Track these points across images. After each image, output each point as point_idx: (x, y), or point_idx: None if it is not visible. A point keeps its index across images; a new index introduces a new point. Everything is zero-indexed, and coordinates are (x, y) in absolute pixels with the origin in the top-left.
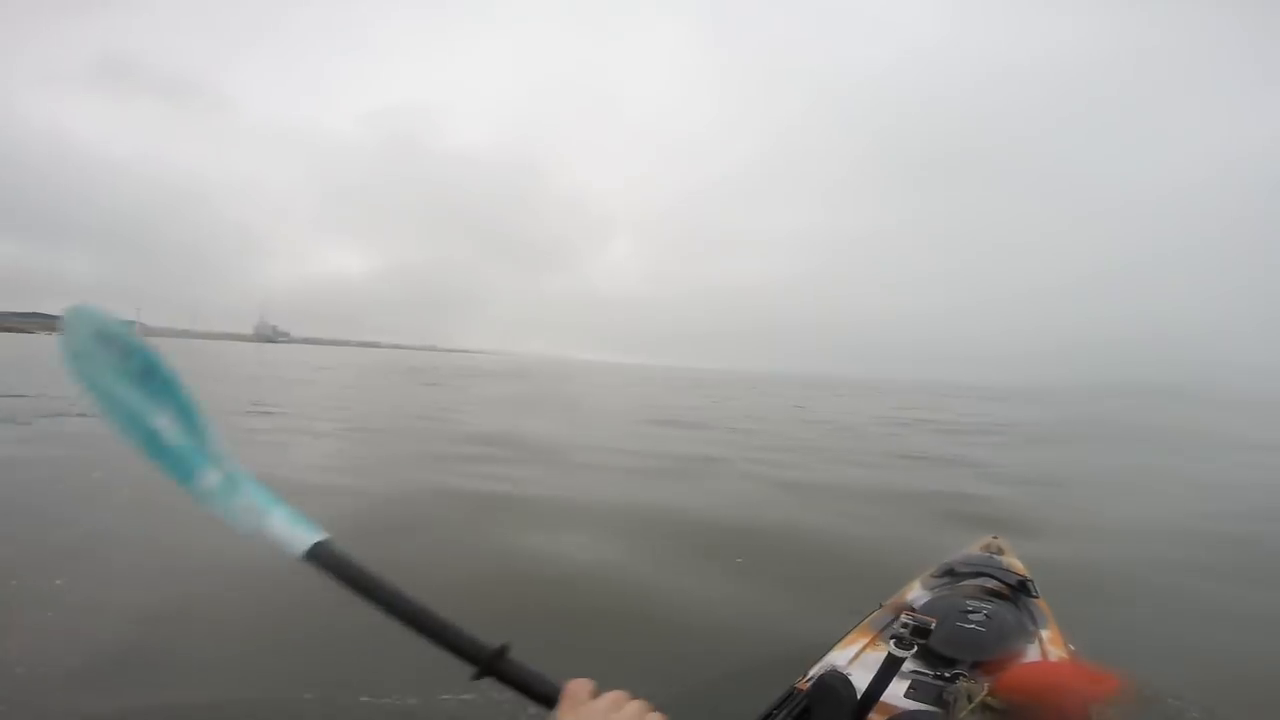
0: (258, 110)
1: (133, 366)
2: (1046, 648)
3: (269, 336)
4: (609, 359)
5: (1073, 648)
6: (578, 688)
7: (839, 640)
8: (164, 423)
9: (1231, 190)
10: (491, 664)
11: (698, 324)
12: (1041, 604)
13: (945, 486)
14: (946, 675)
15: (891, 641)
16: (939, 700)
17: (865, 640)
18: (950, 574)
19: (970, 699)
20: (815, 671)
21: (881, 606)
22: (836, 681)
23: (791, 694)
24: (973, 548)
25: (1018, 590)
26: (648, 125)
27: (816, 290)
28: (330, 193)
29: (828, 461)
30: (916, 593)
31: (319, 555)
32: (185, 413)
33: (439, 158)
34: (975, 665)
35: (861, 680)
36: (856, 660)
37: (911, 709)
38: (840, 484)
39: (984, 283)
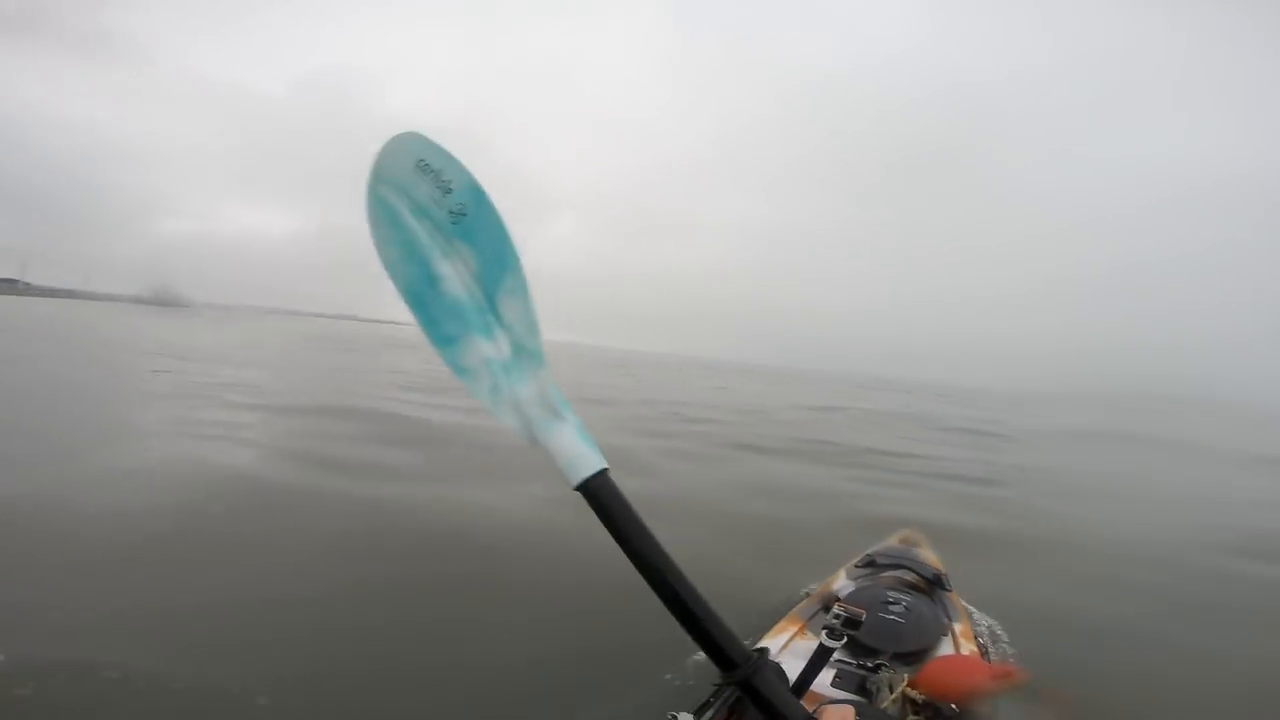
0: (177, 66)
1: (450, 199)
2: (959, 641)
3: (167, 300)
4: (547, 336)
5: (982, 641)
6: (836, 716)
7: (769, 629)
8: (453, 270)
9: (1178, 210)
10: (749, 677)
11: (637, 306)
12: (954, 598)
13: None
14: (869, 665)
15: (824, 632)
16: (862, 689)
17: (794, 629)
18: (872, 565)
19: (892, 689)
20: None
21: (808, 595)
22: (769, 671)
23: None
24: (892, 540)
25: (933, 583)
26: (601, 104)
27: (757, 280)
28: (254, 154)
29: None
30: (842, 582)
31: (594, 488)
32: (499, 264)
33: (378, 122)
34: (895, 656)
35: (792, 668)
36: (787, 648)
37: (839, 698)
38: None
39: (932, 285)
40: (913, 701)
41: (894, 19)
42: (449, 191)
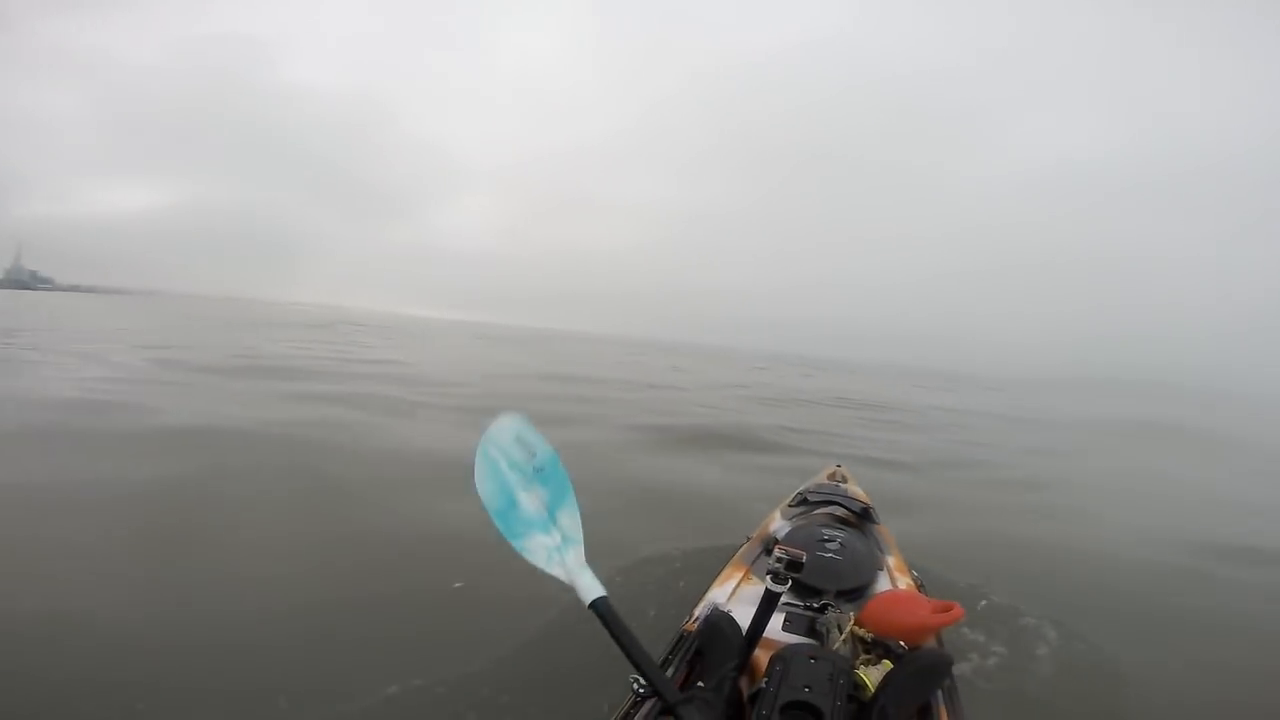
0: (37, 32)
1: (534, 461)
2: (894, 574)
3: (25, 282)
4: (452, 315)
5: (915, 573)
6: None
7: (716, 577)
8: (528, 499)
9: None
10: (675, 707)
11: (551, 284)
12: (883, 530)
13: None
14: (815, 606)
15: (768, 577)
16: (812, 631)
17: (739, 575)
18: (804, 502)
19: (840, 629)
20: (700, 611)
21: (749, 539)
22: (722, 621)
23: (682, 637)
24: (821, 476)
25: (862, 517)
26: (519, 81)
27: (672, 261)
28: (123, 126)
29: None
30: (778, 523)
31: (599, 608)
32: (560, 497)
33: (268, 94)
34: (838, 594)
35: (742, 615)
36: (735, 596)
37: (792, 641)
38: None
39: (835, 270)
40: (862, 640)
41: (816, 10)
42: (534, 455)
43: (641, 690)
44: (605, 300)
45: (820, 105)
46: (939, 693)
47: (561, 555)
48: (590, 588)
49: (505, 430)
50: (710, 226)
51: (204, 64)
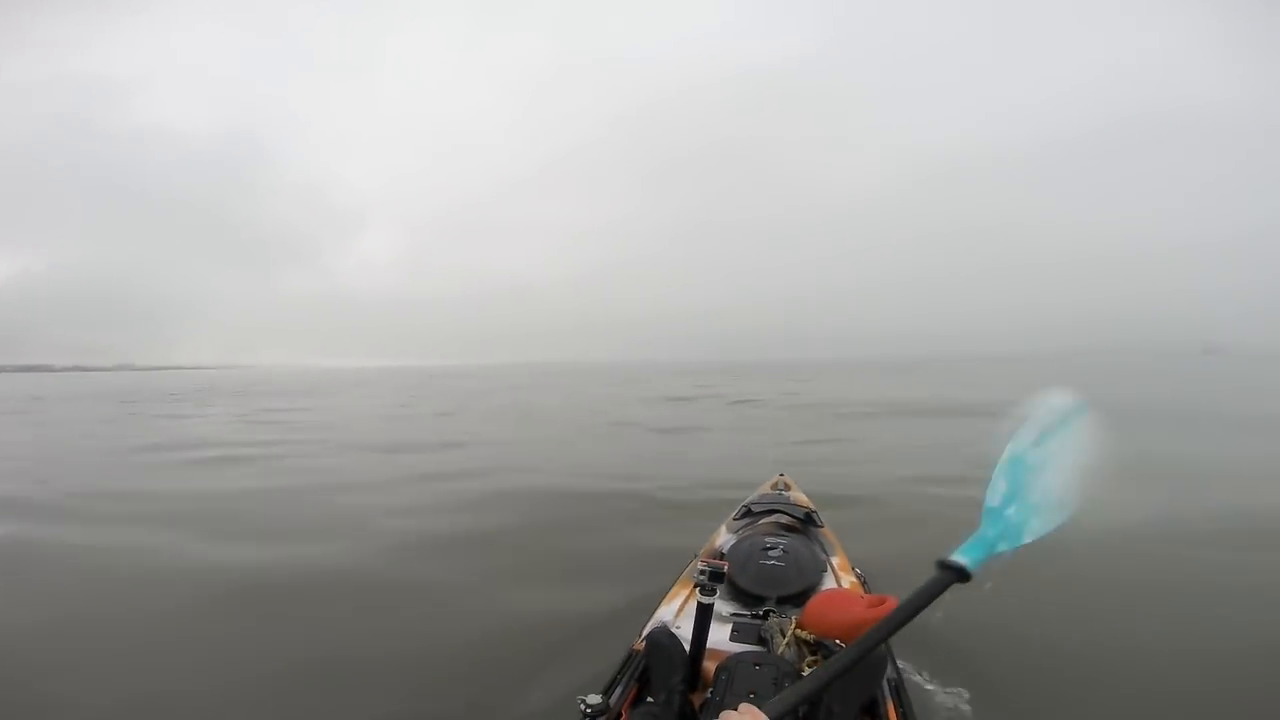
0: None
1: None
2: (838, 574)
3: None
4: (362, 363)
5: (859, 571)
6: None
7: (664, 596)
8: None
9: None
10: None
11: (469, 321)
12: (827, 533)
13: None
14: (759, 613)
15: (697, 590)
16: (759, 639)
17: (686, 592)
18: (749, 514)
19: (783, 634)
20: (649, 630)
21: (696, 557)
22: (663, 637)
23: (631, 656)
24: (764, 487)
25: (806, 522)
26: (413, 117)
27: (586, 283)
28: None
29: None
30: (724, 537)
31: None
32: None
33: (121, 137)
34: (782, 600)
35: (690, 631)
36: (682, 612)
37: (738, 650)
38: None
39: (745, 267)
40: (805, 642)
41: (698, 6)
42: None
43: (589, 710)
44: (534, 329)
45: (715, 103)
46: (885, 687)
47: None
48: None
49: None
50: (629, 245)
51: (44, 110)
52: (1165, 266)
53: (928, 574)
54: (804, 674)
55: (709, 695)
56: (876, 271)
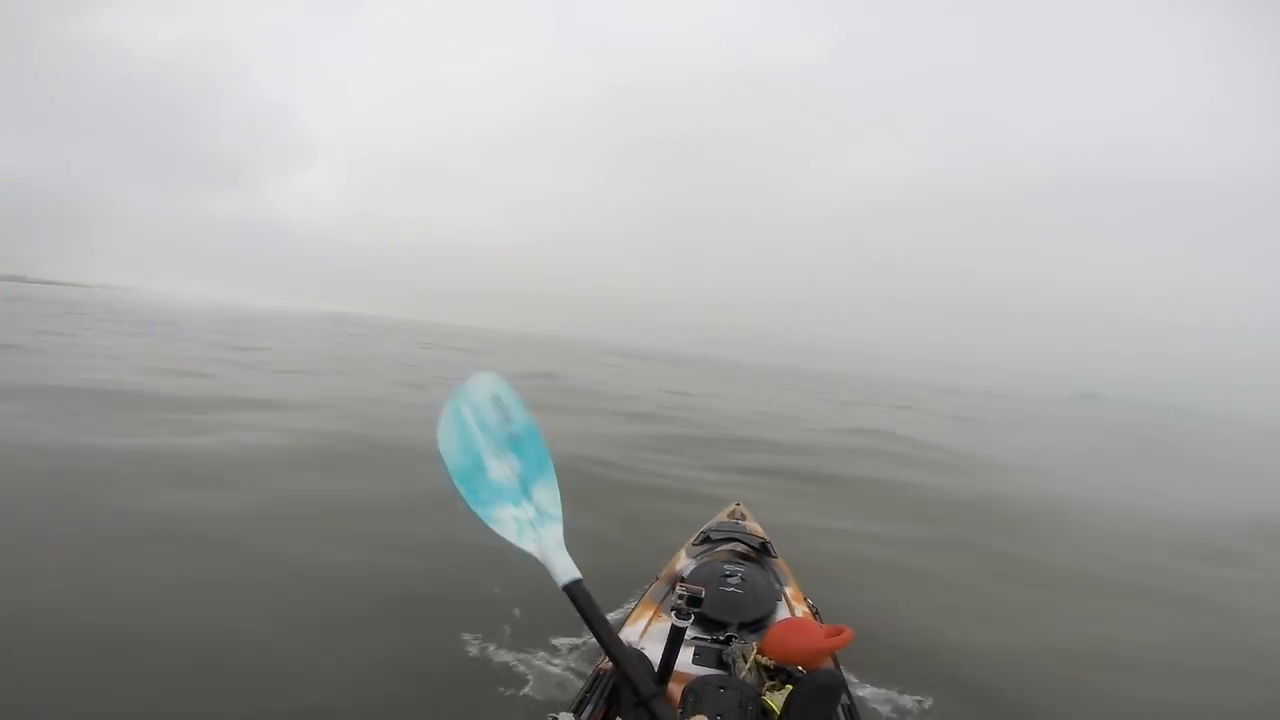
0: None
1: (509, 427)
2: (791, 604)
3: None
4: (286, 303)
5: (810, 601)
6: None
7: (628, 617)
8: (500, 466)
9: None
10: (649, 700)
11: (416, 275)
12: (781, 564)
13: None
14: (721, 639)
15: (672, 614)
16: (720, 662)
17: (650, 613)
18: (707, 540)
19: (745, 659)
20: None
21: (657, 579)
22: (634, 658)
23: (599, 675)
24: (721, 515)
25: (761, 552)
26: (387, 54)
27: (540, 252)
28: None
29: None
30: (684, 562)
31: (572, 591)
32: (538, 470)
33: (72, 49)
34: (741, 626)
35: (655, 652)
36: (646, 634)
37: (702, 673)
38: None
39: (711, 265)
40: (766, 668)
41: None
42: (510, 421)
43: None
44: (489, 294)
45: (705, 96)
46: (840, 712)
47: (536, 531)
48: (566, 569)
49: (481, 388)
50: (591, 221)
51: None
52: (1061, 324)
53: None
54: (765, 697)
55: (678, 716)
56: (825, 288)
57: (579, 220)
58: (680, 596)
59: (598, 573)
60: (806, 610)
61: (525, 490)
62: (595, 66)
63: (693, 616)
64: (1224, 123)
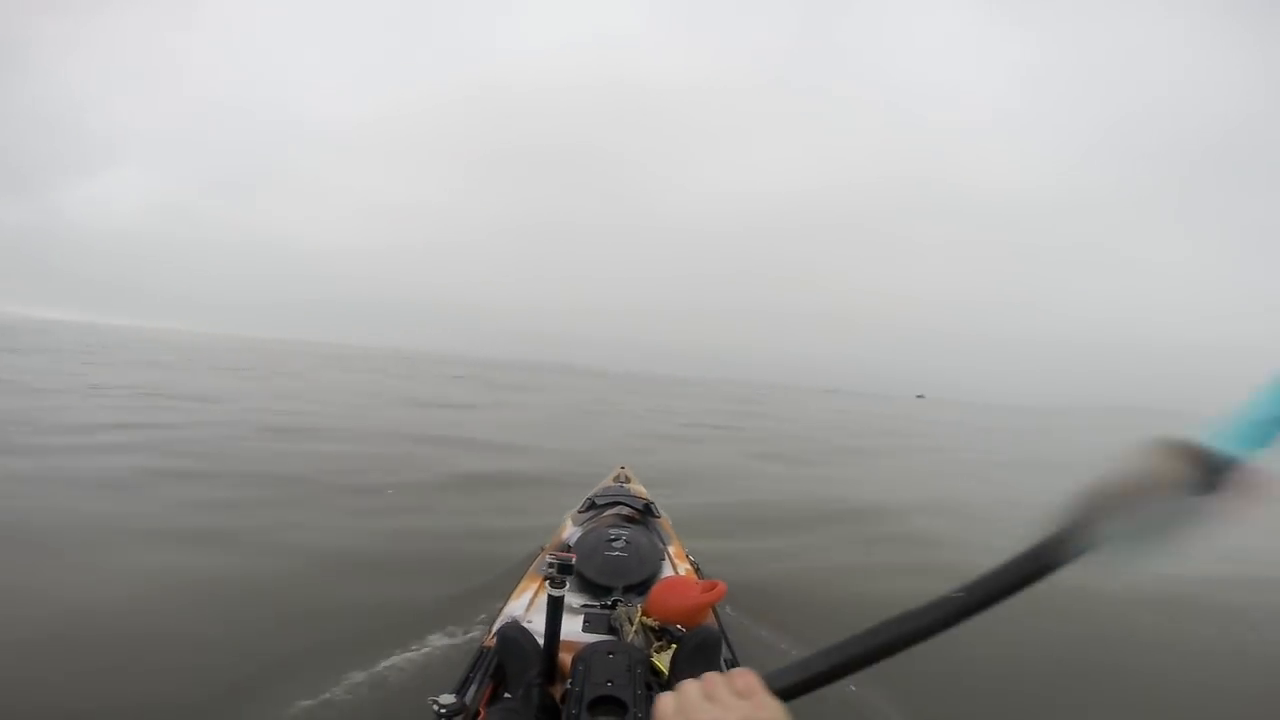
0: None
1: None
2: (674, 562)
3: None
4: (77, 316)
5: (692, 558)
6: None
7: (513, 591)
8: None
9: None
10: None
11: (244, 285)
12: (664, 523)
13: None
14: (608, 603)
15: (547, 583)
16: (609, 628)
17: (535, 586)
18: (593, 506)
19: (631, 621)
20: (499, 625)
21: (542, 550)
22: (515, 632)
23: (482, 653)
24: (607, 479)
25: (645, 513)
26: (219, 49)
27: (381, 259)
28: None
29: None
30: (570, 530)
31: None
32: None
33: None
34: (627, 589)
35: (542, 624)
36: (533, 606)
37: (591, 640)
38: None
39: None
40: (651, 629)
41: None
42: None
43: (443, 710)
44: (333, 303)
45: (584, 113)
46: (722, 666)
47: None
48: None
49: None
50: (441, 229)
51: None
52: (900, 333)
53: None
54: (654, 658)
55: (569, 686)
56: (685, 298)
57: (440, 228)
58: (550, 565)
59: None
60: (689, 568)
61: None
62: (462, 66)
63: (567, 584)
64: (1025, 136)
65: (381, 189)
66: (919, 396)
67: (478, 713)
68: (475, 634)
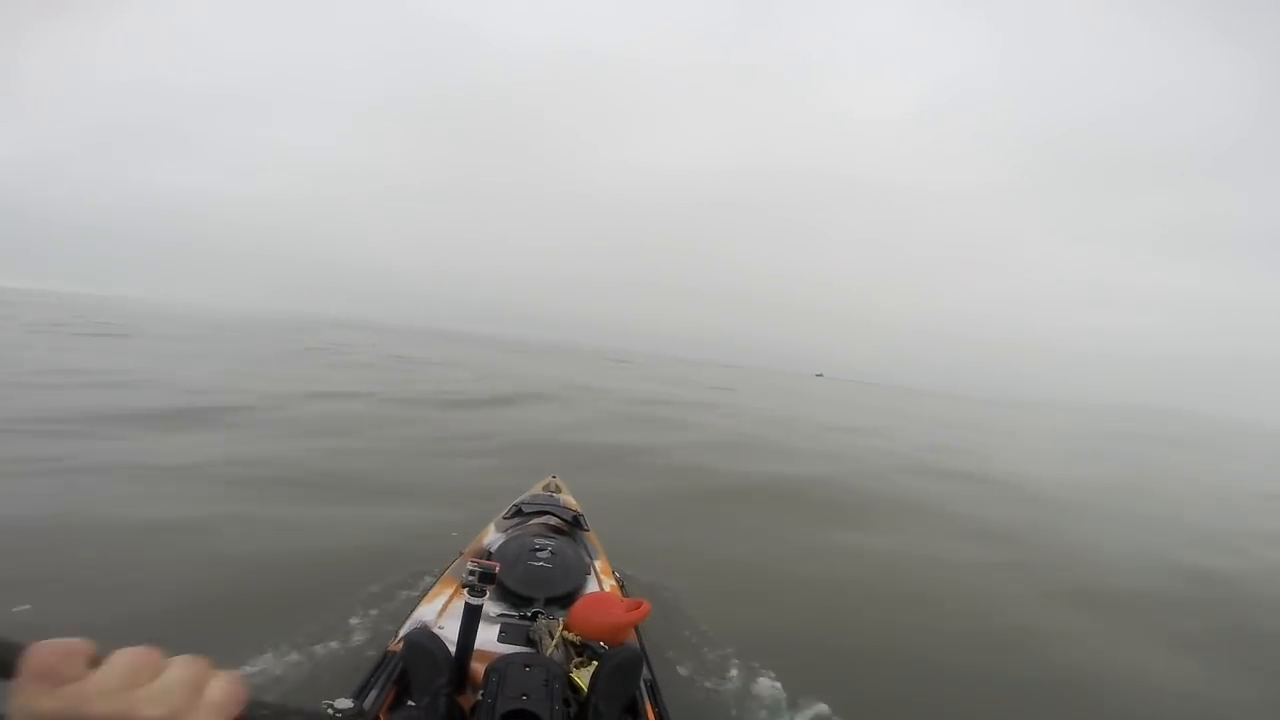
0: None
1: None
2: (600, 577)
3: None
4: None
5: (618, 575)
6: (56, 652)
7: (424, 595)
8: None
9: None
10: None
11: (116, 243)
12: (592, 537)
13: None
14: (527, 615)
15: (465, 591)
16: (527, 640)
17: (450, 591)
18: (519, 514)
19: (552, 635)
20: (406, 630)
21: (461, 554)
22: (424, 638)
23: (386, 658)
24: (536, 487)
25: (574, 525)
26: None
27: (281, 215)
28: None
29: None
30: (492, 536)
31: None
32: None
33: None
34: (549, 601)
35: (455, 631)
36: (445, 612)
37: (507, 652)
38: None
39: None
40: (572, 644)
41: None
42: None
43: (339, 715)
44: (207, 260)
45: (507, 74)
46: (642, 687)
47: None
48: None
49: None
50: (348, 185)
51: None
52: (810, 314)
53: None
54: (573, 674)
55: (480, 697)
56: (604, 269)
57: (336, 183)
58: (471, 572)
59: None
60: (614, 584)
61: None
62: (383, 14)
63: (487, 593)
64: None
65: (278, 142)
66: (818, 375)
67: (377, 719)
68: (378, 638)
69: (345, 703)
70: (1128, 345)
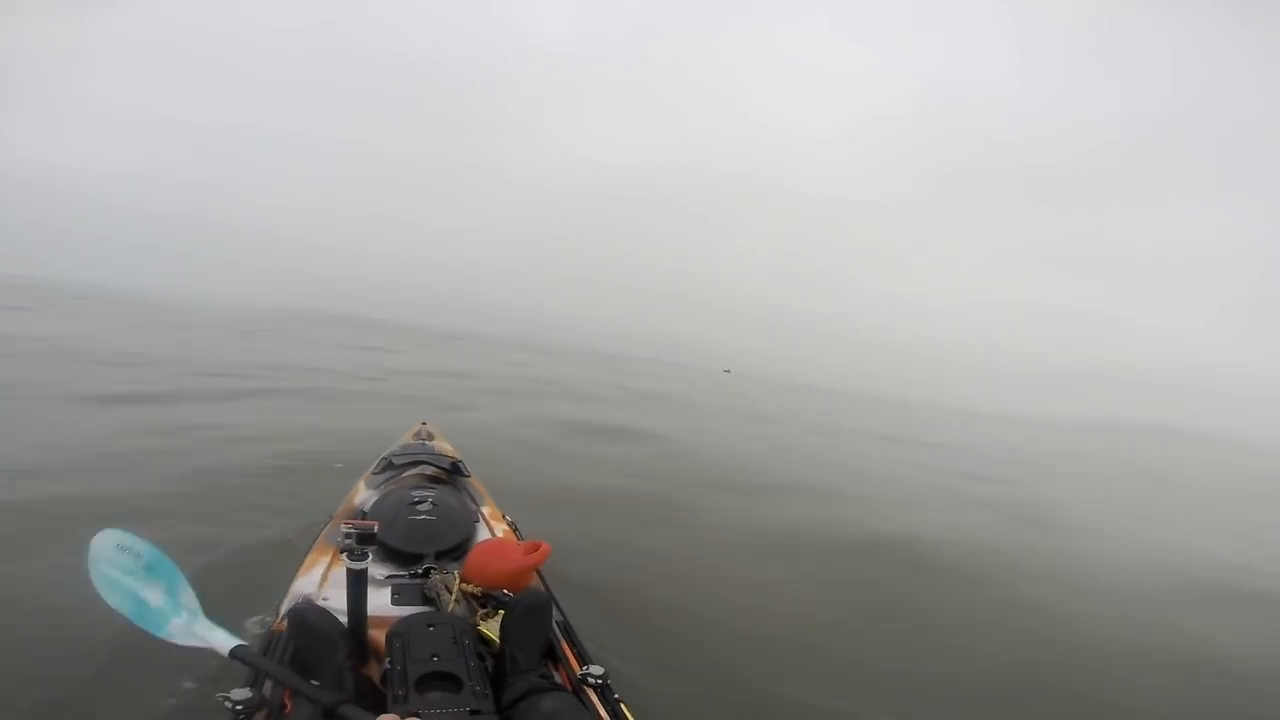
0: None
1: (140, 562)
2: (490, 523)
3: None
4: None
5: (509, 519)
6: None
7: (299, 566)
8: (152, 594)
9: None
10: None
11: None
12: (475, 482)
13: None
14: (419, 572)
15: (344, 556)
16: (424, 598)
17: (327, 559)
18: (390, 467)
19: (450, 590)
20: (287, 606)
21: (332, 518)
22: (310, 612)
23: (272, 639)
24: (406, 437)
25: (453, 473)
26: None
27: (174, 184)
28: None
29: None
30: (363, 495)
31: (239, 654)
32: (171, 584)
33: None
34: (439, 555)
35: (340, 600)
36: (327, 581)
37: (405, 614)
38: None
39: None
40: (474, 595)
41: None
42: (140, 556)
43: (239, 707)
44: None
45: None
46: (555, 629)
47: (191, 627)
48: (225, 641)
49: (106, 545)
50: (270, 157)
51: None
52: (721, 311)
53: None
54: (481, 627)
55: (387, 665)
56: (519, 258)
57: (247, 152)
58: (348, 535)
59: None
60: (507, 529)
61: (175, 601)
62: None
63: (370, 555)
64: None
65: (180, 108)
66: (726, 371)
67: (283, 705)
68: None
69: (242, 693)
70: (992, 353)
